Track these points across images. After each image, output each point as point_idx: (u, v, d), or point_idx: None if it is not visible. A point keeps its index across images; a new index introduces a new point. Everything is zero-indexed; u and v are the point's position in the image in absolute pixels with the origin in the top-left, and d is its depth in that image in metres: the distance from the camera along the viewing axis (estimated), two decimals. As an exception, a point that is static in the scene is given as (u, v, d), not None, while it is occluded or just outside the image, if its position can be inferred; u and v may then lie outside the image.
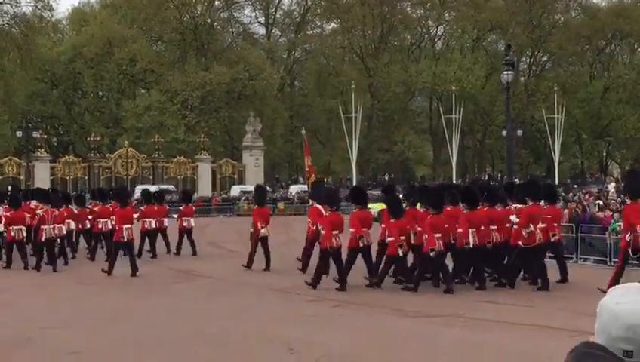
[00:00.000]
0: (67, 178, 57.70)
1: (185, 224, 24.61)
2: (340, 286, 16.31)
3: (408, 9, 79.47)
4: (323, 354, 10.05)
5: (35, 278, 19.42)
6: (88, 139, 62.38)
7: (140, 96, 72.58)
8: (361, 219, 16.60)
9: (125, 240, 19.41)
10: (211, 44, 73.66)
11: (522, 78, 77.11)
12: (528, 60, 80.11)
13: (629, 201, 16.42)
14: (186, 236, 24.52)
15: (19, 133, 56.88)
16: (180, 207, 26.93)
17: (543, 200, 17.47)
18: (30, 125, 57.48)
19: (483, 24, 76.04)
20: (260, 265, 19.93)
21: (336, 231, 16.52)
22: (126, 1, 74.37)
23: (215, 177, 63.95)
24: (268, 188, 62.85)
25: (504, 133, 49.80)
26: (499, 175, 75.92)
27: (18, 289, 17.47)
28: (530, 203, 16.82)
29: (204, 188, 61.96)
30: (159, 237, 24.21)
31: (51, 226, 20.80)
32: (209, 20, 74.18)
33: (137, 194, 55.92)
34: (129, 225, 19.70)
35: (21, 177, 55.99)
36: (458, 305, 14.35)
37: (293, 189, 61.48)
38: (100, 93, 74.02)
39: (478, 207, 17.05)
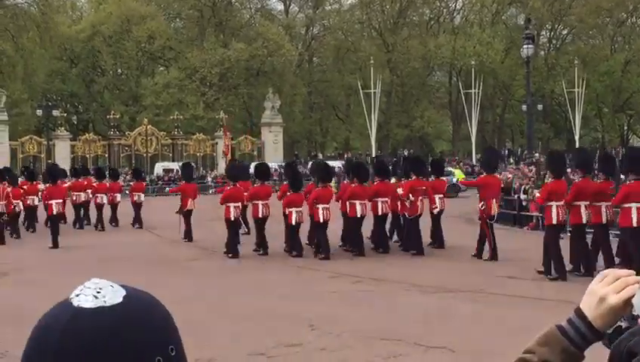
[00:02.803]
0: (87, 156, 57.88)
1: (135, 198, 27.21)
2: (262, 251, 18.89)
3: (427, -17, 78.86)
4: (344, 329, 10.06)
5: (55, 256, 19.62)
6: (108, 117, 62.44)
7: (158, 73, 72.53)
8: (259, 194, 19.22)
9: (55, 213, 21.42)
10: (229, 20, 73.38)
11: (542, 52, 76.38)
12: (548, 34, 79.29)
13: (484, 174, 18.54)
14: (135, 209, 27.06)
15: (39, 112, 56.99)
16: (131, 183, 30.46)
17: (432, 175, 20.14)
18: (50, 104, 57.56)
19: (502, -3, 75.31)
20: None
21: (237, 204, 18.95)
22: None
23: (234, 154, 63.96)
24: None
25: (524, 107, 49.56)
26: (519, 149, 75.47)
27: (39, 267, 17.62)
28: (414, 177, 18.69)
29: (224, 166, 61.98)
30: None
31: (3, 202, 22.53)
32: (227, -4, 73.92)
33: (158, 170, 56.81)
34: (59, 200, 21.85)
35: (42, 155, 56.27)
36: (479, 280, 14.34)
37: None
38: (119, 70, 74.05)
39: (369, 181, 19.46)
